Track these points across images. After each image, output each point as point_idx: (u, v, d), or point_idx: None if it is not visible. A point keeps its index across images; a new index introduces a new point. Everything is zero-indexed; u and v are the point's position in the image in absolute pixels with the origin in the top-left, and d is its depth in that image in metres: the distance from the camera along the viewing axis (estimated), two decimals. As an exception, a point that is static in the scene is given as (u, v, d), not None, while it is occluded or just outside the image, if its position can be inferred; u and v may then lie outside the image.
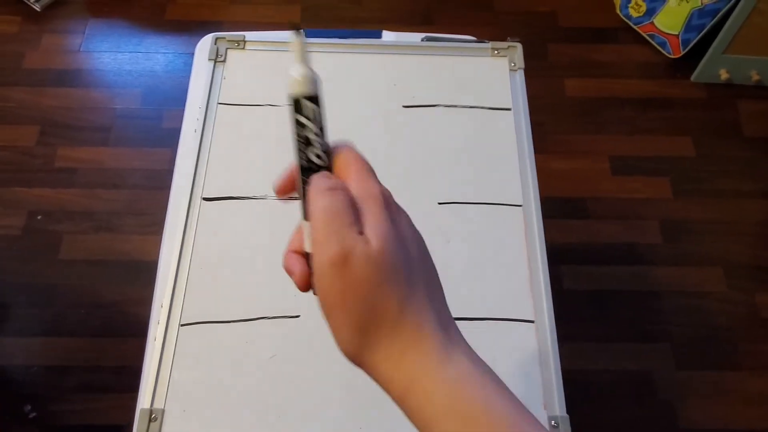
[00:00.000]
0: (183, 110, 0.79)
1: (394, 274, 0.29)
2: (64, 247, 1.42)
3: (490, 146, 0.70)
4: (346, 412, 0.55)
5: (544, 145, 1.56)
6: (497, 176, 0.68)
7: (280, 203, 0.66)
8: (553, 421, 0.55)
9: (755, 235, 1.49)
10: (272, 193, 0.67)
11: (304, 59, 0.32)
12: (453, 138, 0.70)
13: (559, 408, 0.56)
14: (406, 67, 0.75)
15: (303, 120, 0.32)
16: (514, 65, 0.74)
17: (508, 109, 0.72)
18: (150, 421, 0.53)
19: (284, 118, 0.69)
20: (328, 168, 0.32)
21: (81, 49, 1.71)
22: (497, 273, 0.62)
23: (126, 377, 1.28)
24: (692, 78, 1.69)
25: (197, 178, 0.66)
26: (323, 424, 0.55)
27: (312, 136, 0.32)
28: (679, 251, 1.47)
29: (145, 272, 1.40)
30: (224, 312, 0.59)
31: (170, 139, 1.62)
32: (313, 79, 0.32)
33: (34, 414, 1.24)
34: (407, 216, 0.32)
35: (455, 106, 0.72)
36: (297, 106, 0.32)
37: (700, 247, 1.47)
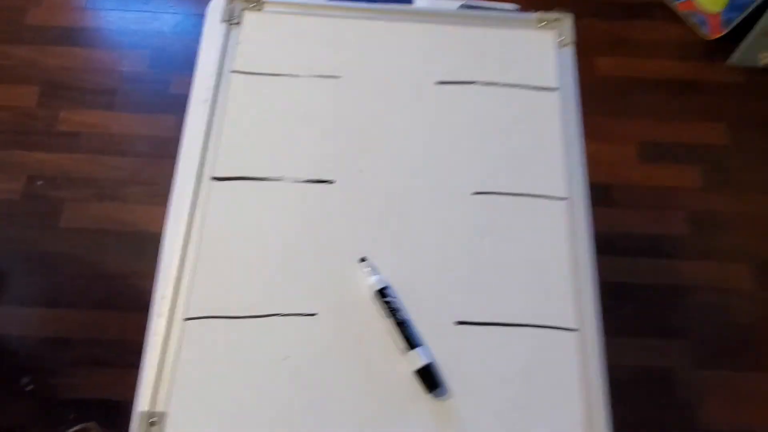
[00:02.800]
0: (192, 76, 0.73)
1: None
2: (65, 215, 1.37)
3: (533, 131, 0.63)
4: (363, 420, 0.50)
5: (569, 127, 1.49)
6: (540, 165, 0.62)
7: (298, 186, 0.60)
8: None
9: (787, 232, 1.43)
10: (289, 174, 0.61)
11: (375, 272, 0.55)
12: (491, 120, 0.64)
13: None
14: (440, 39, 0.68)
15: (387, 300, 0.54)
16: (563, 39, 0.67)
17: (555, 89, 0.65)
18: (149, 425, 0.48)
19: (305, 90, 0.63)
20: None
21: (87, 6, 1.64)
22: (536, 274, 0.57)
23: (126, 352, 1.25)
24: (730, 61, 1.60)
25: (207, 154, 0.60)
26: (340, 435, 0.50)
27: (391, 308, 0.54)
28: (706, 245, 1.41)
29: (149, 244, 1.35)
30: (234, 306, 0.54)
31: (178, 105, 1.54)
32: (383, 280, 0.55)
33: (31, 386, 1.21)
34: None
35: (495, 83, 0.66)
36: (381, 293, 0.55)
37: (728, 242, 1.41)
